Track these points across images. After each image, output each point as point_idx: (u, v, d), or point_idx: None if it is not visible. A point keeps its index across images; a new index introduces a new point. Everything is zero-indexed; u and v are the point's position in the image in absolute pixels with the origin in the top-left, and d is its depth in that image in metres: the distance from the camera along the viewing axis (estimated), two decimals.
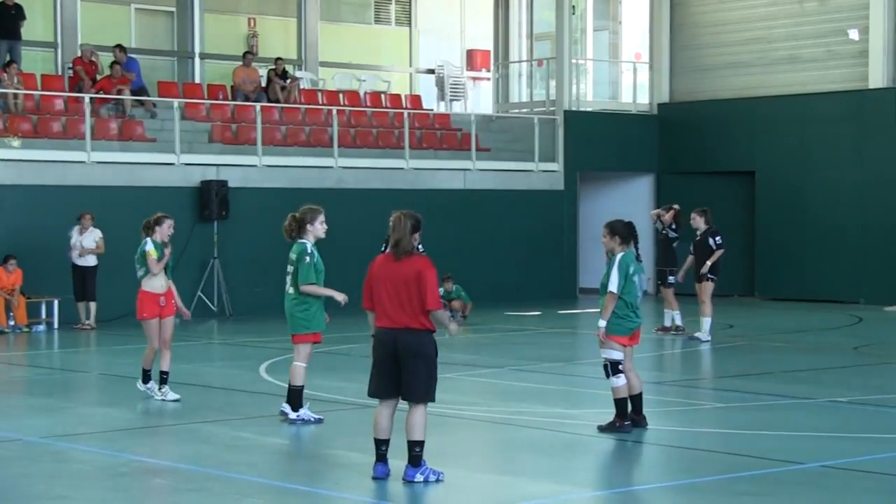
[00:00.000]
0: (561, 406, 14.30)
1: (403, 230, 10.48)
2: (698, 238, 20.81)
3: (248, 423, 13.24)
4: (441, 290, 23.97)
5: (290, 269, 12.91)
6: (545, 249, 30.07)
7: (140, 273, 14.53)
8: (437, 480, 10.26)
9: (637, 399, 12.53)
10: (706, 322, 20.32)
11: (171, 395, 14.41)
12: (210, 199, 25.21)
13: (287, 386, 13.15)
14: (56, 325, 23.26)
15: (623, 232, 12.56)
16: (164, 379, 14.49)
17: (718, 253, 20.62)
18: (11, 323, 22.71)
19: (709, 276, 20.80)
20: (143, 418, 13.70)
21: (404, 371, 10.13)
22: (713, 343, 20.21)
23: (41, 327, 23.21)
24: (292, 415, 12.95)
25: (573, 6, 31.92)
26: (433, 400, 10.21)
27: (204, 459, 11.36)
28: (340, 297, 12.75)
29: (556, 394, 15.47)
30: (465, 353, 20.30)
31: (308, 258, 12.78)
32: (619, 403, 12.40)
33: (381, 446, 10.35)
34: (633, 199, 32.11)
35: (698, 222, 20.77)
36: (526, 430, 12.93)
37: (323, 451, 11.93)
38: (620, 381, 12.35)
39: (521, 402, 14.65)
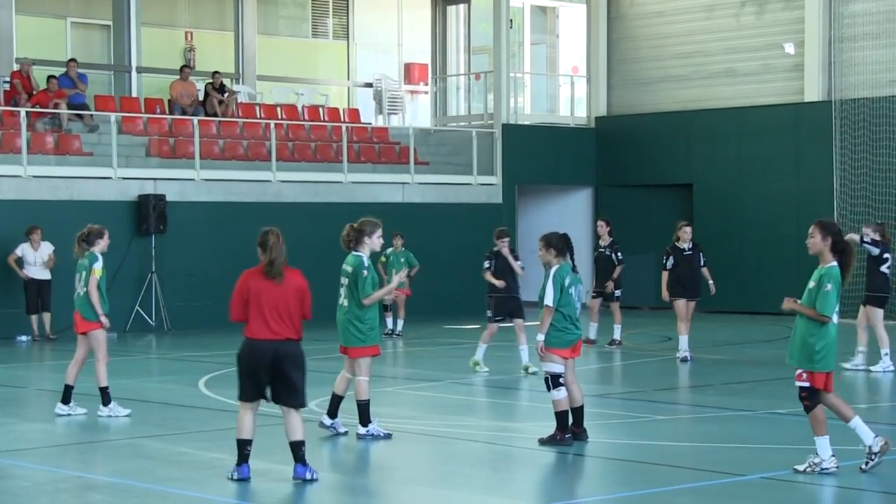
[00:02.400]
0: (500, 419, 14.30)
1: (280, 251, 10.94)
2: (688, 253, 19.98)
3: (187, 437, 13.15)
4: (390, 249, 24.02)
5: (344, 281, 12.87)
6: (483, 262, 30.03)
7: (84, 290, 14.35)
8: (313, 479, 10.74)
9: (578, 412, 12.54)
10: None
11: (122, 412, 14.42)
12: (147, 214, 25.05)
13: (332, 396, 13.17)
14: None
15: (558, 244, 12.58)
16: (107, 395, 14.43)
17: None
18: None
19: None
20: (82, 434, 13.56)
21: (285, 379, 10.70)
22: (652, 355, 20.22)
23: None
24: (362, 430, 12.92)
25: (511, 20, 32.03)
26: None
27: (143, 475, 11.26)
28: (395, 282, 13.45)
29: (496, 407, 15.46)
30: (404, 367, 20.29)
31: (366, 272, 12.74)
32: (560, 416, 12.41)
33: (248, 447, 10.88)
34: (572, 212, 32.23)
35: (687, 236, 20.06)
36: (466, 443, 12.92)
37: (264, 465, 11.85)
38: (561, 394, 12.36)
39: (460, 415, 14.63)
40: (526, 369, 17.85)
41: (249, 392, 10.86)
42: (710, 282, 19.85)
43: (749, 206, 29.70)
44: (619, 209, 31.78)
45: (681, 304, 19.74)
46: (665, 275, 19.93)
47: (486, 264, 18.55)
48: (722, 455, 12.17)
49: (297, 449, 10.77)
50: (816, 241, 11.09)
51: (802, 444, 11.51)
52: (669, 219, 31.18)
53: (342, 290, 12.91)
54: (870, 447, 10.89)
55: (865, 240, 18.17)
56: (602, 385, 17.55)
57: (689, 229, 20.08)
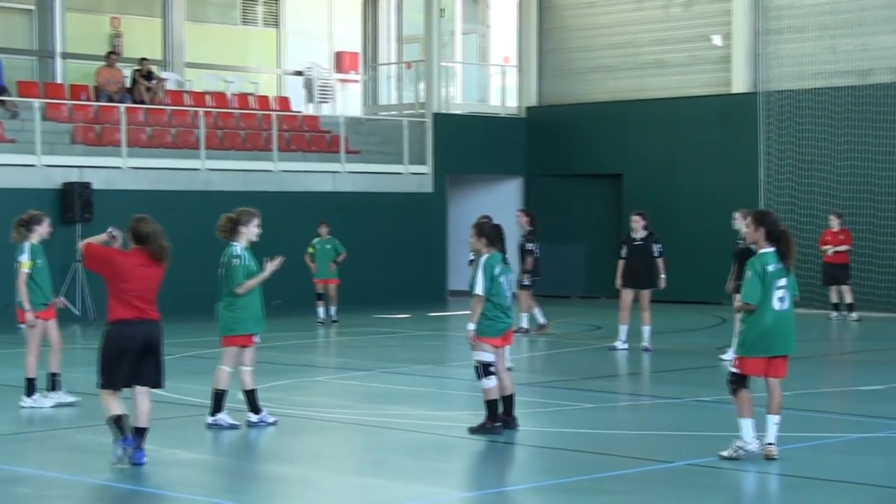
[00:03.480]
0: (431, 408, 14.29)
1: (165, 240, 11.20)
2: (639, 243, 19.84)
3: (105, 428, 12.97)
4: (316, 239, 24.03)
5: (220, 272, 12.78)
6: (414, 252, 30.08)
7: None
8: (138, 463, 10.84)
9: (508, 400, 12.56)
10: (647, 331, 19.87)
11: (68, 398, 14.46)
12: (73, 202, 24.77)
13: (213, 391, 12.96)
14: None
15: (490, 233, 12.59)
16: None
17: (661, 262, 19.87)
18: None
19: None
20: (7, 425, 13.38)
21: (151, 360, 10.92)
22: (581, 344, 20.26)
23: None
24: (209, 419, 12.80)
25: (442, 9, 32.00)
26: None
27: (69, 466, 11.15)
28: (268, 271, 12.80)
29: (426, 396, 15.46)
30: (335, 357, 20.23)
31: (237, 260, 12.70)
32: (490, 405, 12.42)
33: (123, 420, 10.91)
34: (502, 201, 32.25)
35: (638, 226, 19.93)
36: (396, 432, 12.89)
37: (198, 458, 11.77)
38: (491, 382, 12.37)
39: (391, 404, 14.61)
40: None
41: (121, 375, 10.90)
42: (662, 275, 19.74)
43: (678, 196, 29.89)
44: (550, 199, 31.90)
45: (625, 294, 19.80)
46: (620, 264, 19.93)
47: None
48: (650, 442, 12.25)
49: (141, 434, 10.89)
50: (750, 232, 11.25)
51: (729, 431, 11.58)
52: (600, 209, 31.44)
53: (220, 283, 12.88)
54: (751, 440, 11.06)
55: None
56: (532, 374, 17.58)
57: (637, 218, 20.10)
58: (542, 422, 13.31)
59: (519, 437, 12.35)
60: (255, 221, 12.90)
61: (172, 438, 12.31)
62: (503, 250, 12.68)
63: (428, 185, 30.75)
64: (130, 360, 10.81)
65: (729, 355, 18.25)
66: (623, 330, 19.79)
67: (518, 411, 12.72)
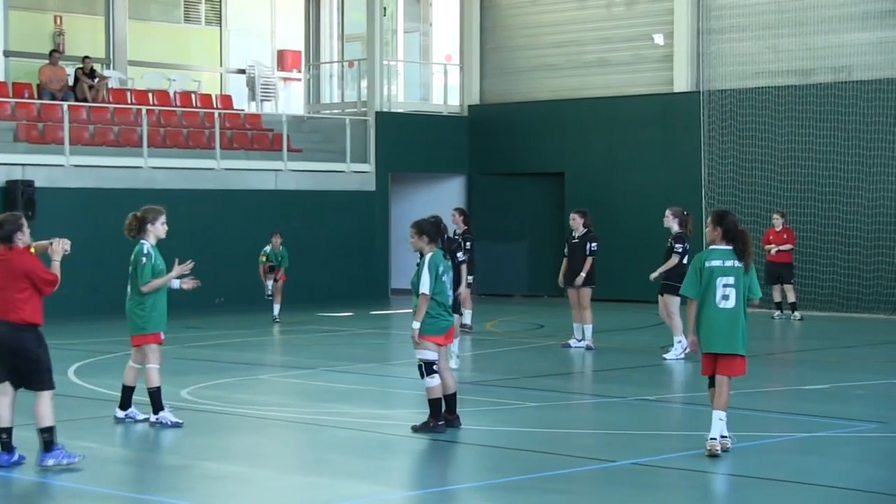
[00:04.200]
0: (374, 406, 14.34)
1: None
2: (576, 241, 19.99)
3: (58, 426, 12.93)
4: (268, 247, 24.04)
5: (130, 270, 12.82)
6: (357, 250, 30.09)
7: None
8: (70, 464, 10.69)
9: (451, 398, 12.63)
10: (588, 329, 19.87)
11: None
12: (16, 200, 24.62)
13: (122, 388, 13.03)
14: None
15: (431, 231, 12.64)
16: None
17: (590, 260, 19.78)
18: None
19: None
20: None
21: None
22: (524, 343, 20.37)
23: None
24: (153, 417, 12.84)
25: (384, 8, 32.02)
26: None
27: (15, 466, 11.11)
28: (175, 272, 12.81)
29: (369, 394, 15.50)
30: (278, 355, 20.23)
31: (144, 258, 12.71)
32: (433, 403, 12.48)
33: (4, 434, 10.86)
34: (445, 199, 32.28)
35: (577, 223, 20.02)
36: (338, 430, 12.93)
37: (140, 455, 11.76)
38: (434, 381, 12.43)
39: (333, 402, 14.65)
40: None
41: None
42: (582, 273, 19.71)
43: (619, 194, 30.07)
44: (492, 197, 32.02)
45: (570, 293, 19.88)
46: (563, 262, 19.99)
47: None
48: (593, 441, 12.36)
49: (41, 435, 10.79)
50: (709, 231, 11.41)
51: (671, 430, 11.71)
52: (542, 207, 31.57)
53: (130, 281, 12.93)
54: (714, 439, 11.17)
55: None
56: (475, 372, 17.65)
57: (575, 216, 20.20)
58: (485, 420, 13.38)
59: (462, 435, 12.41)
60: (161, 219, 12.95)
61: (109, 435, 12.30)
62: (443, 246, 12.74)
63: (370, 183, 30.77)
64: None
65: (671, 354, 18.48)
66: (576, 327, 19.89)
67: (461, 410, 12.79)
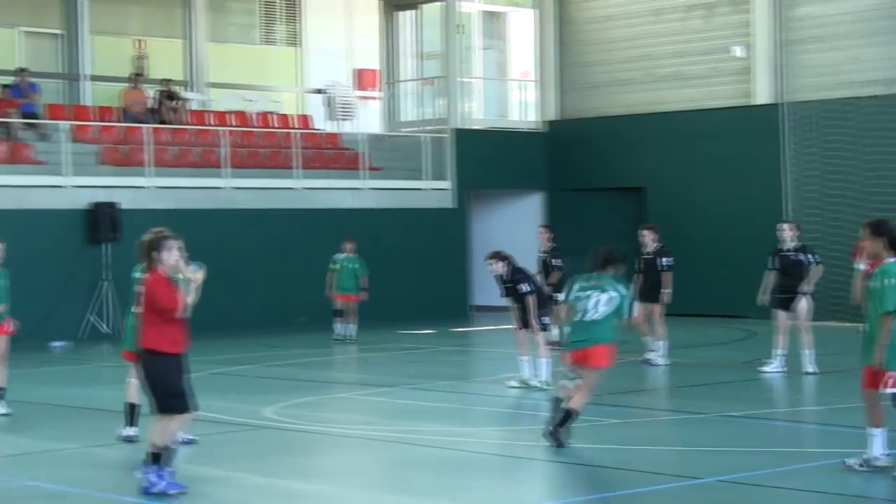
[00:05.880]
0: (455, 424, 14.34)
1: None
2: (649, 257, 19.93)
3: (136, 444, 13.07)
4: (341, 255, 24.06)
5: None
6: (437, 267, 30.14)
7: None
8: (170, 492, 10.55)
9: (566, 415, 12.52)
10: (660, 344, 19.71)
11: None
12: (100, 222, 24.97)
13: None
14: None
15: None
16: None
17: (668, 276, 19.65)
18: None
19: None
20: (38, 443, 13.49)
21: None
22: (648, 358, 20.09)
23: None
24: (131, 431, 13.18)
25: (461, 25, 32.11)
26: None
27: (99, 483, 11.26)
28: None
29: (451, 412, 15.51)
30: (359, 373, 20.33)
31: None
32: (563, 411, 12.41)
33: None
34: (524, 216, 32.32)
35: (647, 240, 19.99)
36: (420, 448, 12.94)
37: (223, 474, 11.86)
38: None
39: (414, 420, 14.66)
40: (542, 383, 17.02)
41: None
42: (665, 290, 19.65)
43: (700, 208, 29.88)
44: (571, 213, 31.92)
45: (640, 308, 19.69)
46: (636, 278, 19.80)
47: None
48: (676, 458, 12.25)
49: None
50: (869, 244, 10.90)
51: (756, 447, 11.60)
52: (621, 222, 31.40)
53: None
54: (866, 459, 10.86)
55: None
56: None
57: (645, 233, 20.13)
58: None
59: (542, 453, 12.38)
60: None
61: (188, 454, 12.44)
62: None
63: (449, 200, 30.85)
64: None
65: (770, 368, 18.14)
66: (648, 342, 19.78)
67: (541, 427, 12.73)
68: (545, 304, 17.18)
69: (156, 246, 10.78)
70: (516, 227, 32.57)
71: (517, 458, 12.18)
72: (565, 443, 12.25)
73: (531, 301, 16.84)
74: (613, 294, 12.49)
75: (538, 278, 18.70)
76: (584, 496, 10.57)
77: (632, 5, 31.27)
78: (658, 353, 19.65)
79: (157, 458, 10.58)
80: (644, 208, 30.69)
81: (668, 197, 30.28)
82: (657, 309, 19.69)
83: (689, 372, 19.17)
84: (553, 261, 21.47)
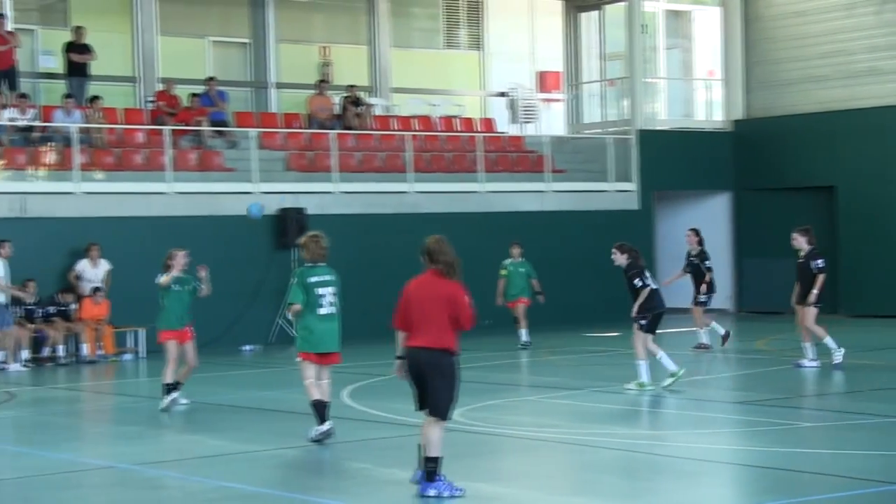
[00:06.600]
0: (643, 427, 14.20)
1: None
2: (801, 261, 19.75)
3: (330, 448, 13.22)
4: (508, 260, 23.98)
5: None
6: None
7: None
8: (452, 496, 10.40)
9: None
10: (808, 348, 19.45)
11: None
12: (288, 227, 25.36)
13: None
14: (143, 354, 23.59)
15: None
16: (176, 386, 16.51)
17: (821, 278, 19.40)
18: (100, 352, 23.10)
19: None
20: (232, 445, 13.76)
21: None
22: (799, 362, 19.76)
23: (128, 356, 23.54)
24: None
25: (644, 25, 31.83)
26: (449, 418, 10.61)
27: (288, 484, 11.42)
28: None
29: (638, 415, 15.36)
30: (545, 376, 20.25)
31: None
32: None
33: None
34: (710, 216, 31.92)
35: (800, 243, 19.78)
36: (607, 451, 12.83)
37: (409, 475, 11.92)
38: None
39: (601, 423, 14.56)
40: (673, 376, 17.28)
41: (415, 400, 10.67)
42: (814, 291, 19.30)
43: (894, 207, 29.08)
44: (759, 213, 31.40)
45: (800, 312, 19.43)
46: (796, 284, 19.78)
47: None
48: (875, 463, 11.91)
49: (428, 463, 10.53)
50: None
51: None
52: (811, 222, 30.70)
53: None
54: None
55: None
56: (745, 392, 17.33)
57: (796, 235, 19.79)
58: (764, 440, 13.07)
59: (734, 456, 12.18)
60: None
61: (380, 457, 12.51)
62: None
63: (634, 202, 30.60)
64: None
65: None
66: (806, 347, 19.39)
67: (734, 429, 12.53)
68: (654, 305, 17.23)
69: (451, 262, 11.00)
70: (703, 228, 32.08)
71: (707, 462, 11.98)
72: None
73: (641, 295, 17.17)
74: None
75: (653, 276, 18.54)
76: (779, 500, 10.32)
77: (823, 0, 30.58)
78: (812, 357, 19.27)
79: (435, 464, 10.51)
80: (835, 208, 30.03)
81: (861, 196, 29.56)
82: (811, 311, 19.33)
83: (883, 374, 18.66)
84: (705, 263, 21.77)
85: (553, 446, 13.40)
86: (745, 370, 19.79)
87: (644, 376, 17.14)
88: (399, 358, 10.76)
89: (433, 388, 10.49)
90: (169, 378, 16.29)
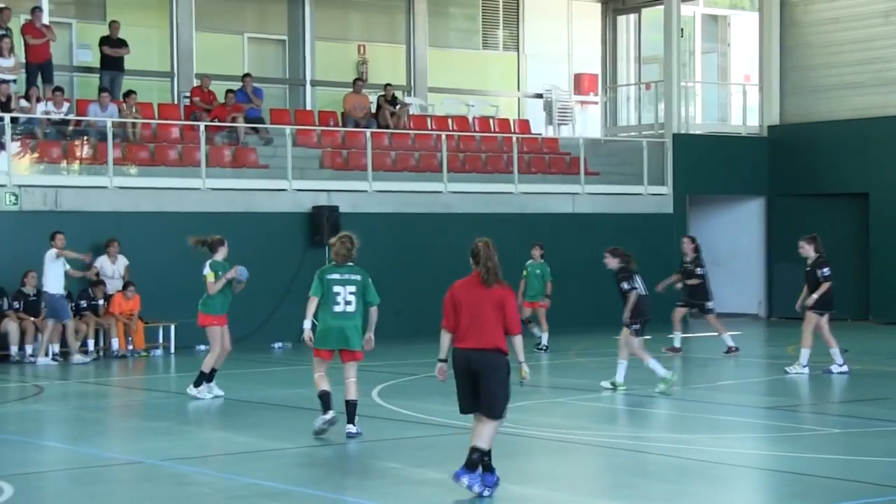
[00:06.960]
0: (672, 430, 14.20)
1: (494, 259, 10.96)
2: (808, 269, 19.87)
3: (360, 446, 13.29)
4: (529, 261, 23.94)
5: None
6: (655, 273, 29.69)
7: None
8: (479, 494, 10.57)
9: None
10: (804, 353, 19.54)
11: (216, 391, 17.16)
12: (321, 224, 25.43)
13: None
14: (173, 350, 23.68)
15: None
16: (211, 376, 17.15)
17: (825, 286, 19.58)
18: (130, 347, 23.21)
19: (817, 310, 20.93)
20: (262, 442, 13.83)
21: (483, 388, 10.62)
22: (829, 368, 19.72)
23: (159, 352, 23.65)
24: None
25: (681, 29, 31.79)
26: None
27: (319, 482, 11.48)
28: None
29: (667, 418, 15.36)
30: (576, 378, 20.27)
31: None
32: None
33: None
34: (743, 221, 31.87)
35: (807, 251, 19.92)
36: (637, 454, 12.87)
37: (441, 477, 11.96)
38: None
39: (631, 426, 14.58)
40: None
41: (462, 402, 10.78)
42: (815, 296, 19.54)
43: None
44: (793, 219, 31.31)
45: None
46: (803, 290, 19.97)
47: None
48: None
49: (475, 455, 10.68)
50: None
51: None
52: (844, 228, 30.68)
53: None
54: None
55: None
56: (774, 397, 17.31)
57: (803, 243, 19.88)
58: (787, 446, 13.09)
59: (764, 461, 12.18)
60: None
61: (412, 457, 12.56)
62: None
63: (668, 205, 30.57)
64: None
65: None
66: (833, 353, 19.38)
67: (760, 435, 12.53)
68: (643, 310, 17.66)
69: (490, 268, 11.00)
70: (735, 233, 32.12)
71: (737, 467, 11.99)
72: None
73: (629, 299, 17.59)
74: None
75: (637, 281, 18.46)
76: None
77: (860, 7, 30.50)
78: (841, 363, 19.33)
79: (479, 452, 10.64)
80: (868, 214, 29.93)
81: (894, 203, 29.44)
82: (811, 317, 19.50)
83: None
84: (696, 269, 22.72)
85: (582, 448, 13.43)
86: (774, 375, 19.74)
87: (620, 376, 17.59)
88: (442, 360, 10.82)
89: (487, 389, 10.60)
90: (215, 365, 17.04)
